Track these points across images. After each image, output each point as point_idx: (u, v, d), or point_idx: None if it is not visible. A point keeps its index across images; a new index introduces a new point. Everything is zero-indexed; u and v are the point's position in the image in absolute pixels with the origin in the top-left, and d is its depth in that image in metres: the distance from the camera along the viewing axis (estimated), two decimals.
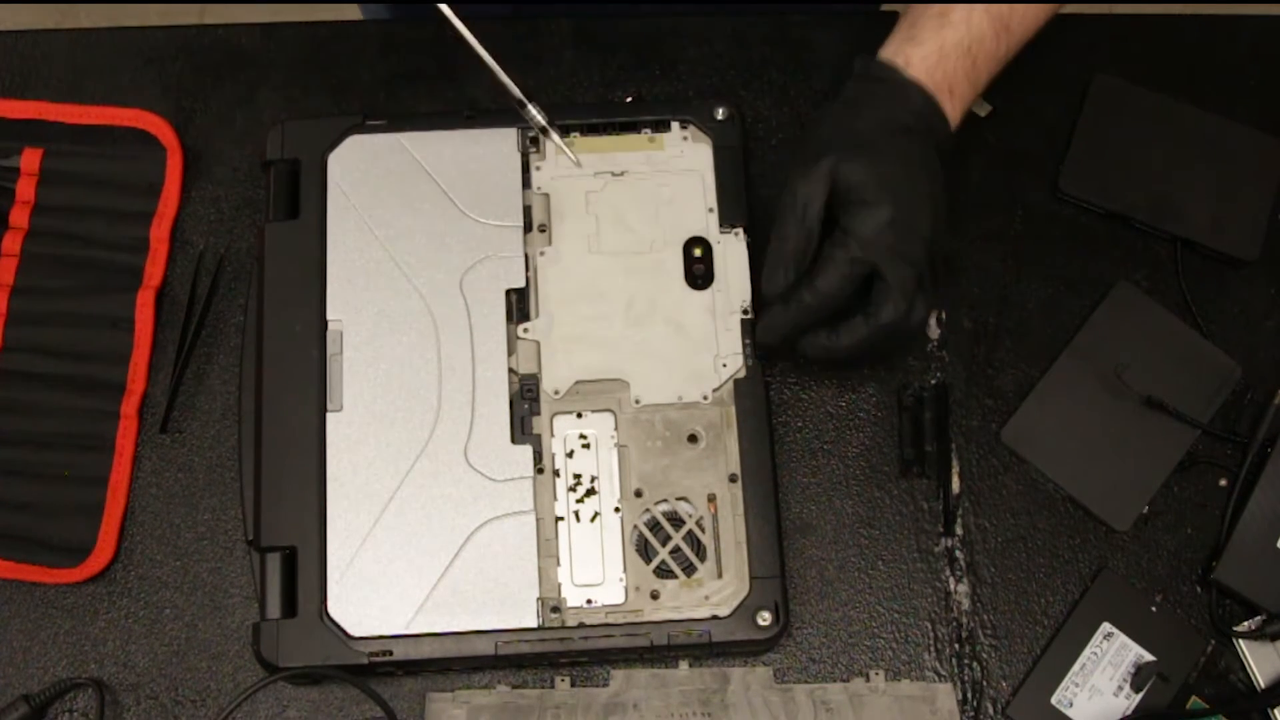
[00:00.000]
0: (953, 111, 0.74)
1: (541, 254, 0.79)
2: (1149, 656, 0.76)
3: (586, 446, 0.76)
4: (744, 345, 0.77)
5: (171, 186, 0.82)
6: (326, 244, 0.78)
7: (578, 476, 0.75)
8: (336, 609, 0.72)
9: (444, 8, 0.72)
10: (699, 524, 0.75)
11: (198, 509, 0.78)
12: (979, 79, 0.75)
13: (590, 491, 0.75)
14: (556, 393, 0.77)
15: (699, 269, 0.79)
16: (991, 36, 0.74)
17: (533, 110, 0.76)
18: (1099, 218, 0.84)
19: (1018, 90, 0.86)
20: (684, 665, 0.74)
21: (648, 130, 0.82)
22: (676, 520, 0.75)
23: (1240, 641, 0.76)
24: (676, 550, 0.75)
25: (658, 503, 0.75)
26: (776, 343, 0.75)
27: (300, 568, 0.73)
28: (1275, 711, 0.75)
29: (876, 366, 0.81)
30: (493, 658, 0.72)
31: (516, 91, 0.75)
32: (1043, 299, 0.83)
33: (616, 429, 0.76)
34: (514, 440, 0.75)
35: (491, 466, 0.75)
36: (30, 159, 0.81)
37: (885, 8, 0.89)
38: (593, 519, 0.75)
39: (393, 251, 0.78)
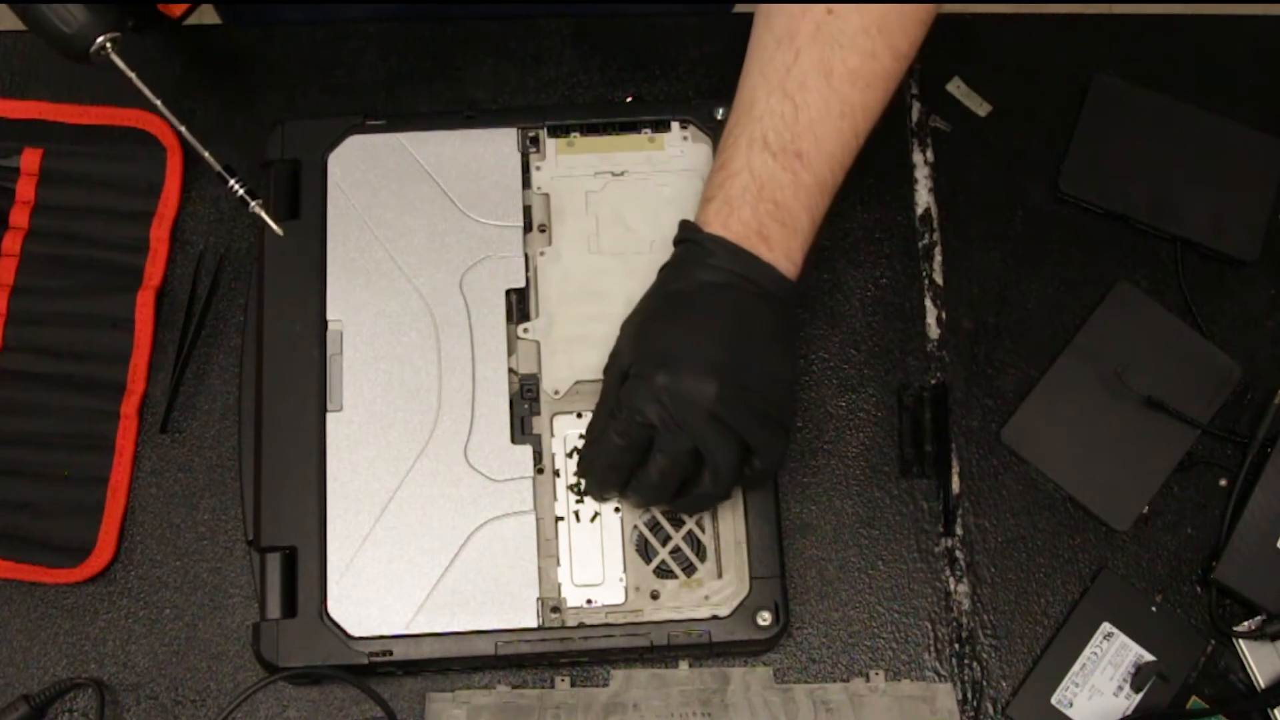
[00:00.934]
0: (773, 255, 0.69)
1: (541, 254, 0.79)
2: (1149, 656, 0.76)
3: (572, 455, 0.76)
4: None
5: (171, 186, 0.82)
6: (326, 244, 0.78)
7: (577, 475, 0.75)
8: (336, 609, 0.72)
9: (115, 58, 0.70)
10: (699, 524, 0.75)
11: (198, 509, 0.78)
12: (791, 217, 0.69)
13: (583, 492, 0.75)
14: (556, 393, 0.77)
15: None
16: (782, 170, 0.69)
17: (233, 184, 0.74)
18: (1099, 218, 0.84)
19: (1018, 90, 0.86)
20: (684, 665, 0.74)
21: (648, 130, 0.82)
22: (676, 520, 0.75)
23: (1240, 641, 0.76)
24: (676, 550, 0.75)
25: None
26: (597, 498, 0.75)
27: (300, 568, 0.73)
28: (1275, 711, 0.75)
29: (876, 367, 0.81)
30: (493, 658, 0.72)
31: (215, 165, 0.73)
32: (1043, 299, 0.83)
33: None
34: (514, 440, 0.75)
35: (491, 466, 0.75)
36: (30, 159, 0.82)
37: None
38: (593, 519, 0.75)
39: (393, 251, 0.78)
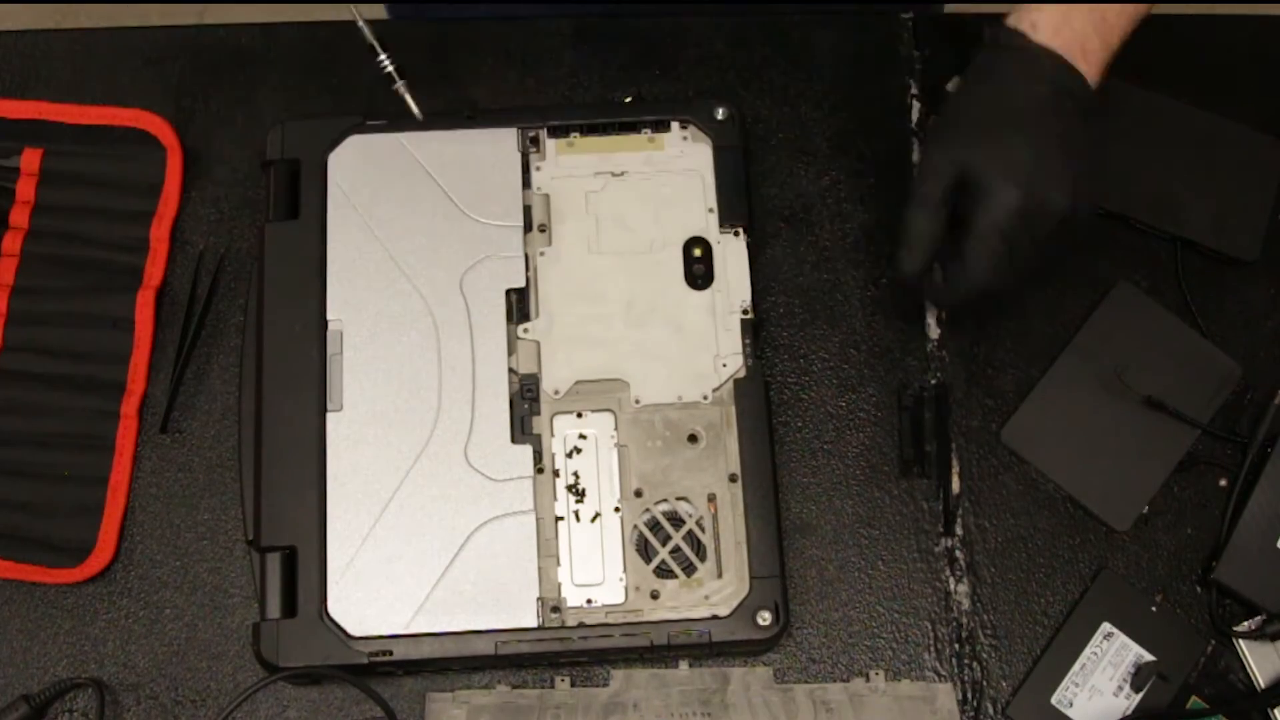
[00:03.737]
0: (1089, 70, 0.72)
1: (541, 254, 0.79)
2: (1149, 656, 0.76)
3: (580, 450, 0.76)
4: (744, 345, 0.77)
5: (171, 186, 0.82)
6: (326, 244, 0.78)
7: (577, 474, 0.75)
8: (336, 609, 0.72)
9: None
10: (699, 524, 0.75)
11: (198, 509, 0.78)
12: (1110, 34, 0.73)
13: (583, 492, 0.75)
14: (556, 393, 0.77)
15: (699, 269, 0.79)
16: None
17: None
18: (1099, 218, 0.84)
19: None
20: (684, 665, 0.74)
21: (648, 130, 0.82)
22: (676, 520, 0.75)
23: (1240, 641, 0.76)
24: (676, 550, 0.75)
25: (658, 503, 0.75)
26: (965, 298, 0.75)
27: (300, 568, 0.73)
28: (1275, 711, 0.75)
29: (876, 367, 0.81)
30: (492, 658, 0.72)
31: None
32: (1043, 299, 0.83)
33: (616, 429, 0.76)
34: (514, 440, 0.75)
35: (491, 466, 0.75)
36: (30, 159, 0.82)
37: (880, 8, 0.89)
38: (593, 519, 0.75)
39: (393, 251, 0.78)
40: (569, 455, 0.76)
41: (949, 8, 0.84)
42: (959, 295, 0.74)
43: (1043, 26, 0.72)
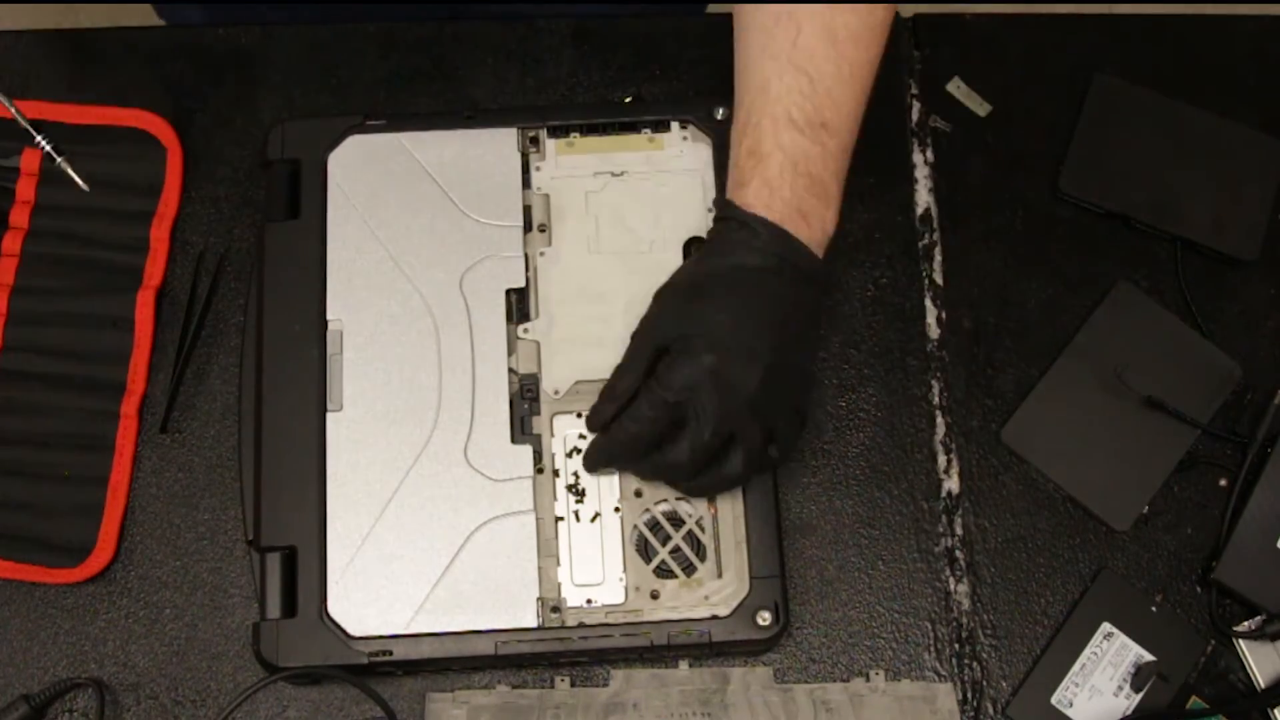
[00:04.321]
0: (810, 232, 0.70)
1: (541, 254, 0.79)
2: (1149, 656, 0.76)
3: (579, 450, 0.76)
4: None
5: (171, 186, 0.82)
6: (326, 244, 0.78)
7: (577, 474, 0.75)
8: (336, 609, 0.72)
9: None
10: (699, 524, 0.75)
11: (198, 509, 0.78)
12: (825, 187, 0.71)
13: (583, 492, 0.75)
14: (556, 393, 0.77)
15: None
16: (812, 144, 0.70)
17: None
18: (1099, 218, 0.84)
19: (1018, 90, 0.86)
20: (684, 665, 0.74)
21: (648, 130, 0.82)
22: (676, 520, 0.75)
23: (1240, 641, 0.76)
24: (676, 550, 0.75)
25: (658, 503, 0.75)
26: (593, 470, 0.75)
27: (300, 568, 0.73)
28: (1275, 711, 0.75)
29: (876, 367, 0.81)
30: (492, 658, 0.72)
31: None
32: (1043, 299, 0.83)
33: None
34: (514, 440, 0.75)
35: (491, 466, 0.75)
36: (30, 159, 0.82)
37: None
38: (593, 519, 0.75)
39: (393, 251, 0.78)
40: (569, 455, 0.76)
41: (948, 8, 0.84)
42: (649, 476, 0.74)
43: (753, 202, 0.70)
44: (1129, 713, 0.75)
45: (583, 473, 0.75)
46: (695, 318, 0.70)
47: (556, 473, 0.75)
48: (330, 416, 0.75)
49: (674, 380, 0.69)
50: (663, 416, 0.70)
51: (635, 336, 0.73)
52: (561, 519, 0.75)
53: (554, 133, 0.81)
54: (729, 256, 0.70)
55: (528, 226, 0.79)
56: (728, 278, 0.70)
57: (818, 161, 0.70)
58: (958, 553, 0.78)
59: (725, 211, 0.72)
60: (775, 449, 0.72)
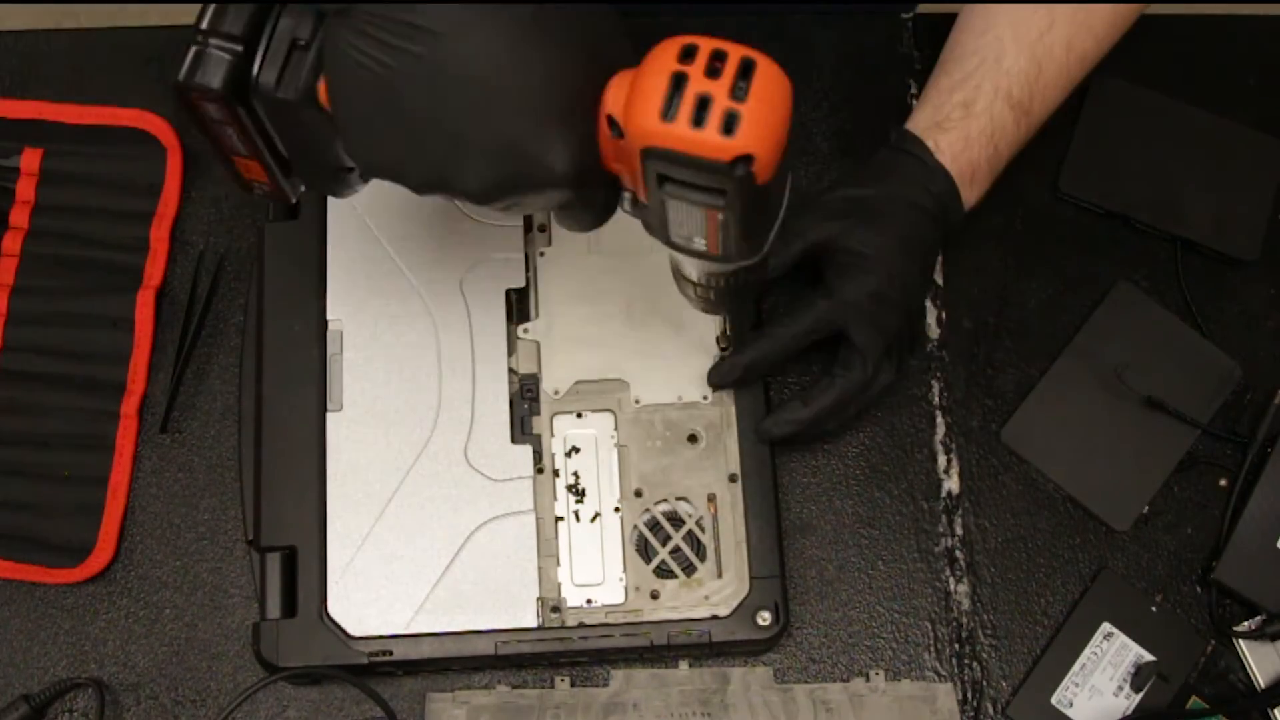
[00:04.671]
0: (969, 197, 0.76)
1: (541, 254, 0.79)
2: (1149, 656, 0.76)
3: (579, 450, 0.76)
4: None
5: (171, 186, 0.82)
6: (326, 244, 0.78)
7: (577, 474, 0.75)
8: (336, 609, 0.72)
9: None
10: (699, 524, 0.75)
11: (198, 509, 0.78)
12: (999, 163, 0.77)
13: (583, 492, 0.75)
14: (556, 393, 0.77)
15: None
16: (1013, 123, 0.76)
17: None
18: (1099, 218, 0.84)
19: None
20: (684, 665, 0.74)
21: None
22: (676, 520, 0.75)
23: (1240, 641, 0.76)
24: (676, 550, 0.75)
25: (658, 503, 0.75)
26: (750, 372, 0.75)
27: (300, 568, 0.73)
28: (1275, 711, 0.75)
29: None
30: (492, 658, 0.72)
31: None
32: (1043, 299, 0.83)
33: (616, 429, 0.76)
34: (514, 440, 0.75)
35: (491, 466, 0.75)
36: (30, 159, 0.82)
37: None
38: (593, 519, 0.75)
39: (393, 251, 0.78)
40: (569, 455, 0.76)
41: (947, 8, 0.84)
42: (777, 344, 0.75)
43: (944, 149, 0.74)
44: (1129, 713, 0.75)
45: (587, 472, 0.75)
46: (866, 238, 0.73)
47: (556, 473, 0.76)
48: (330, 416, 0.75)
49: (846, 293, 0.72)
50: (824, 326, 0.73)
51: (790, 226, 0.72)
52: (561, 519, 0.75)
53: None
54: (905, 189, 0.74)
55: (528, 226, 0.79)
56: (898, 209, 0.74)
57: (1009, 139, 0.76)
58: (958, 553, 0.78)
59: (912, 148, 0.75)
60: (891, 369, 0.76)
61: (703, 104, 0.50)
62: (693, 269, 0.63)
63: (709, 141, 0.50)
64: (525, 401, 0.77)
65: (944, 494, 0.79)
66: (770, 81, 0.51)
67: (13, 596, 0.76)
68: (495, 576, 0.73)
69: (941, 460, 0.80)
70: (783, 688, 0.75)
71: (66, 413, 0.78)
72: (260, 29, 0.55)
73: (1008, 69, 0.75)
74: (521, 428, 0.76)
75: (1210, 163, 0.84)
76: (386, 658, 0.72)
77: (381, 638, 0.72)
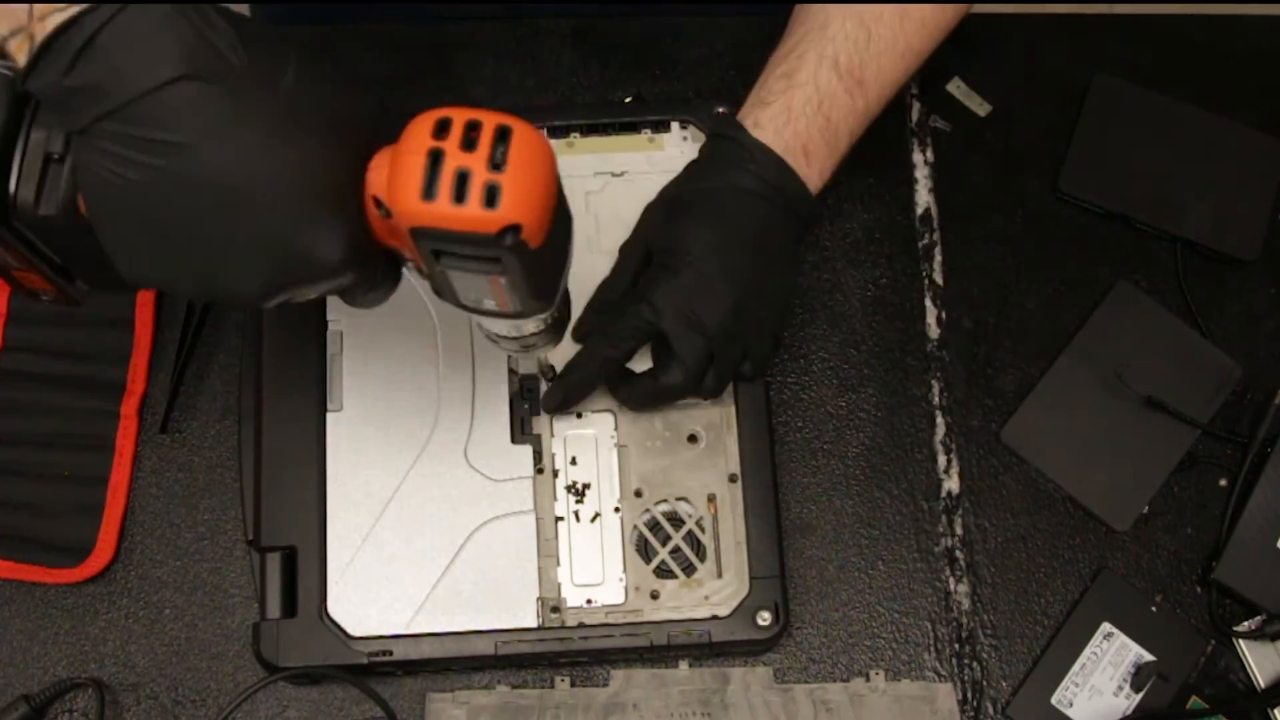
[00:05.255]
0: (809, 172, 0.71)
1: None
2: (1149, 656, 0.76)
3: (574, 464, 0.76)
4: None
5: None
6: None
7: (577, 481, 0.75)
8: (336, 609, 0.72)
9: None
10: (699, 524, 0.75)
11: (198, 509, 0.78)
12: (837, 137, 0.72)
13: (586, 487, 0.75)
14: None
15: None
16: (844, 92, 0.72)
17: None
18: (1099, 218, 0.84)
19: (1018, 90, 0.86)
20: (684, 665, 0.74)
21: (648, 130, 0.82)
22: (676, 520, 0.75)
23: (1240, 641, 0.76)
24: (676, 550, 0.75)
25: (658, 503, 0.75)
26: (572, 391, 0.74)
27: (300, 568, 0.73)
28: (1275, 711, 0.75)
29: (876, 367, 0.81)
30: (493, 658, 0.72)
31: None
32: (1043, 299, 0.83)
33: (616, 429, 0.76)
34: (514, 440, 0.75)
35: (491, 466, 0.75)
36: None
37: None
38: (593, 519, 0.75)
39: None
40: (571, 464, 0.76)
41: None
42: (632, 401, 0.75)
43: (765, 124, 0.71)
44: (1129, 713, 0.75)
45: (587, 472, 0.75)
46: (678, 234, 0.71)
47: (556, 473, 0.75)
48: (330, 416, 0.75)
49: (652, 295, 0.70)
50: (641, 332, 0.71)
51: (623, 249, 0.75)
52: (561, 519, 0.75)
53: (554, 133, 0.81)
54: (723, 175, 0.71)
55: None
56: (717, 197, 0.71)
57: (842, 110, 0.72)
58: (958, 553, 0.78)
59: (724, 129, 0.72)
60: (749, 366, 0.73)
61: (462, 179, 0.49)
62: (492, 325, 0.62)
63: (473, 216, 0.49)
64: (525, 401, 0.77)
65: (944, 494, 0.79)
66: (528, 146, 0.50)
67: (13, 596, 0.76)
68: (495, 576, 0.73)
69: (941, 460, 0.80)
70: (783, 688, 0.75)
71: (66, 413, 0.78)
72: (11, 143, 0.53)
73: (833, 35, 0.72)
74: (521, 428, 0.76)
75: (1210, 163, 0.84)
76: (386, 658, 0.72)
77: (381, 638, 0.72)
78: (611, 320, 0.72)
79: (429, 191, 0.49)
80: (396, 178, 0.50)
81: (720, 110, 0.77)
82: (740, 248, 0.70)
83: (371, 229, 0.53)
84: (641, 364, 0.74)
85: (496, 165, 0.49)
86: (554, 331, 0.63)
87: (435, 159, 0.49)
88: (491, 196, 0.49)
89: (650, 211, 0.74)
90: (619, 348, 0.72)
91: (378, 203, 0.52)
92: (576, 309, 0.76)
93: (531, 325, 0.60)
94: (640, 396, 0.74)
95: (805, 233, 0.74)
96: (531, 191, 0.50)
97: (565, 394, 0.74)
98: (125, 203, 0.51)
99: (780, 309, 0.75)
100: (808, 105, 0.71)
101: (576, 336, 0.75)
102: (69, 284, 0.59)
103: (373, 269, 0.55)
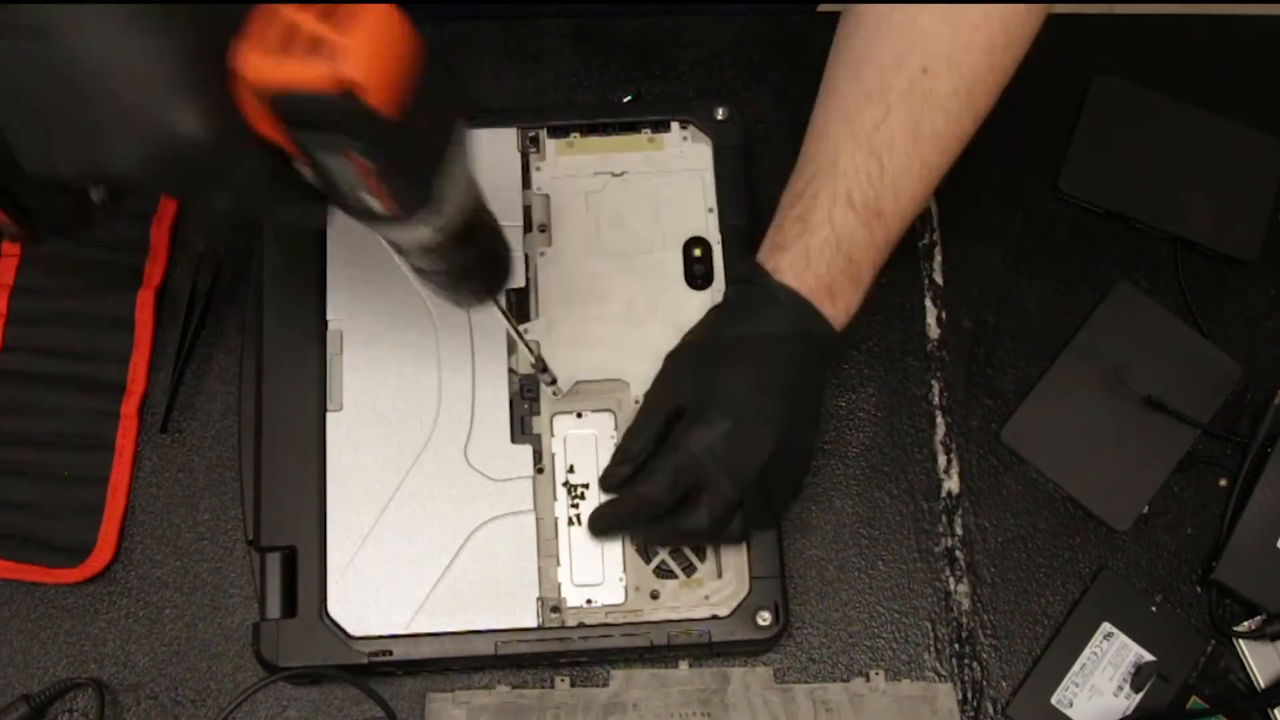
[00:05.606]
0: (835, 312, 0.70)
1: (541, 254, 0.79)
2: (1149, 656, 0.76)
3: (574, 464, 0.76)
4: None
5: None
6: (326, 244, 0.78)
7: (570, 480, 0.75)
8: (336, 609, 0.72)
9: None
10: None
11: (198, 509, 0.78)
12: (860, 272, 0.71)
13: (586, 487, 0.75)
14: (556, 393, 0.77)
15: (699, 269, 0.79)
16: (861, 227, 0.70)
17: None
18: (1099, 218, 0.84)
19: (1018, 90, 0.86)
20: (684, 665, 0.74)
21: (648, 130, 0.82)
22: None
23: (1240, 641, 0.76)
24: (676, 550, 0.75)
25: None
26: (604, 535, 0.74)
27: (300, 568, 0.73)
28: (1275, 711, 0.75)
29: (876, 367, 0.81)
30: (493, 658, 0.72)
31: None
32: (1043, 299, 0.83)
33: (616, 429, 0.76)
34: (514, 440, 0.75)
35: (491, 466, 0.75)
36: None
37: None
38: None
39: (393, 251, 0.78)
40: (570, 471, 0.76)
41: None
42: (659, 541, 0.74)
43: (785, 269, 0.70)
44: (1129, 713, 0.75)
45: (588, 472, 0.75)
46: (713, 383, 0.70)
47: (557, 473, 0.75)
48: (330, 416, 0.75)
49: (691, 446, 0.69)
50: (679, 482, 0.69)
51: (648, 397, 0.74)
52: (571, 522, 0.75)
53: (554, 133, 0.81)
54: (751, 322, 0.71)
55: (528, 227, 0.79)
56: (749, 344, 0.70)
57: (861, 246, 0.70)
58: (958, 553, 0.78)
59: (752, 276, 0.71)
60: (773, 509, 0.73)
61: (293, 30, 0.49)
62: (400, 240, 0.61)
63: (306, 72, 0.49)
64: (525, 401, 0.77)
65: (944, 494, 0.79)
66: (376, 10, 0.50)
67: (13, 596, 0.76)
68: (495, 576, 0.73)
69: (941, 460, 0.80)
70: (783, 688, 0.75)
71: (66, 413, 0.78)
72: None
73: (843, 170, 0.69)
74: (521, 428, 0.76)
75: (1210, 163, 0.84)
76: (386, 658, 0.72)
77: (381, 638, 0.72)
78: (648, 469, 0.71)
79: (265, 47, 0.50)
80: (242, 42, 0.50)
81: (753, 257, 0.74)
82: (776, 392, 0.69)
83: (246, 116, 0.53)
84: None
85: (338, 25, 0.49)
86: (483, 266, 0.62)
87: (278, 18, 0.50)
88: (321, 47, 0.49)
89: (675, 360, 0.74)
90: (658, 492, 0.70)
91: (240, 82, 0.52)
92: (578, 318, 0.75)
93: (427, 234, 0.59)
94: (662, 537, 0.74)
95: (828, 366, 0.74)
96: (375, 52, 0.49)
97: (606, 534, 0.74)
98: (9, 91, 0.52)
99: (808, 454, 0.75)
100: (825, 248, 0.69)
101: (606, 487, 0.74)
102: (16, 210, 0.59)
103: (257, 165, 0.54)
